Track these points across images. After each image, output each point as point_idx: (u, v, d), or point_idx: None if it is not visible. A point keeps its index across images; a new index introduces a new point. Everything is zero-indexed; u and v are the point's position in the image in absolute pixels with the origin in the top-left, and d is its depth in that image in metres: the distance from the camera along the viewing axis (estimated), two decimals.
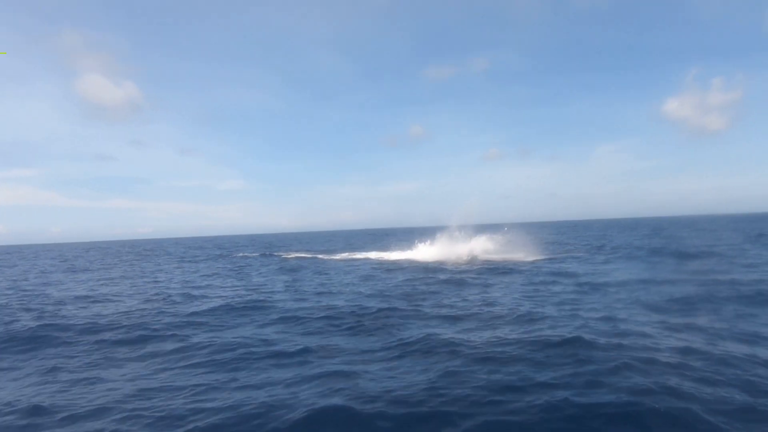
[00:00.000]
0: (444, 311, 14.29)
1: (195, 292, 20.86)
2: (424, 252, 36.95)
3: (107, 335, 12.94)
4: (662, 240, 44.90)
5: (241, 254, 52.30)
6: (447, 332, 11.57)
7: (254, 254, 51.62)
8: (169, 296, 19.81)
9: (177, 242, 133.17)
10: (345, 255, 42.82)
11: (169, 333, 12.88)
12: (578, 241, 50.93)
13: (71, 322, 14.65)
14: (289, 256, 44.75)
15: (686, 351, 9.25)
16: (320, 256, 43.56)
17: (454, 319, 13.21)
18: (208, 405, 7.70)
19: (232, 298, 18.74)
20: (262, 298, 18.12)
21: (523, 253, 32.67)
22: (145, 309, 16.71)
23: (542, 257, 30.71)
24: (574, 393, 7.41)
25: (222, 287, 22.72)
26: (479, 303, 15.62)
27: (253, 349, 10.81)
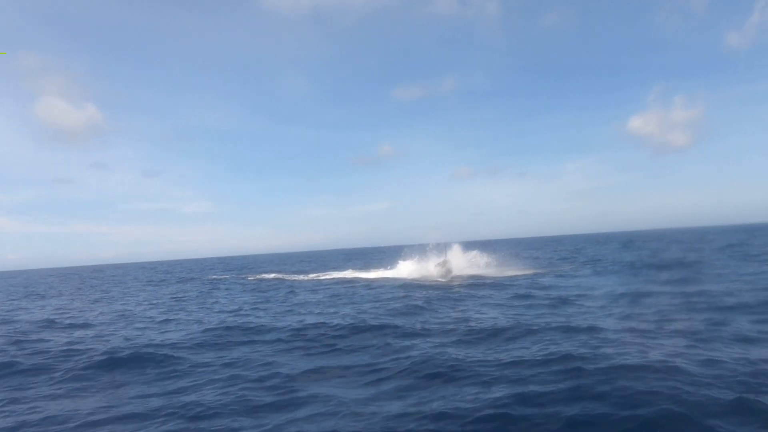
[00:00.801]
0: (431, 327, 13.84)
1: (171, 317, 19.84)
2: (401, 270, 36.60)
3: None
4: (635, 253, 45.58)
5: (211, 277, 50.82)
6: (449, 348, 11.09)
7: (225, 276, 50.28)
8: (138, 319, 18.76)
9: (142, 266, 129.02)
10: (320, 275, 41.98)
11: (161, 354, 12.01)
12: (554, 255, 51.34)
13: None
14: (264, 277, 43.68)
15: (676, 355, 9.04)
16: (299, 276, 42.66)
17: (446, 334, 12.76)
18: None
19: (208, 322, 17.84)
20: (248, 320, 17.31)
21: (502, 269, 32.61)
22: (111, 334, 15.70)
23: (524, 272, 30.59)
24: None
25: (197, 311, 21.73)
26: (464, 319, 15.22)
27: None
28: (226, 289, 33.50)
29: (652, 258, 36.94)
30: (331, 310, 18.96)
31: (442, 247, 34.63)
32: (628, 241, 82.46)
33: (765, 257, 29.80)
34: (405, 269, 36.40)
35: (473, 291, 22.53)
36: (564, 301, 17.34)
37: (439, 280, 28.76)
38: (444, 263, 30.10)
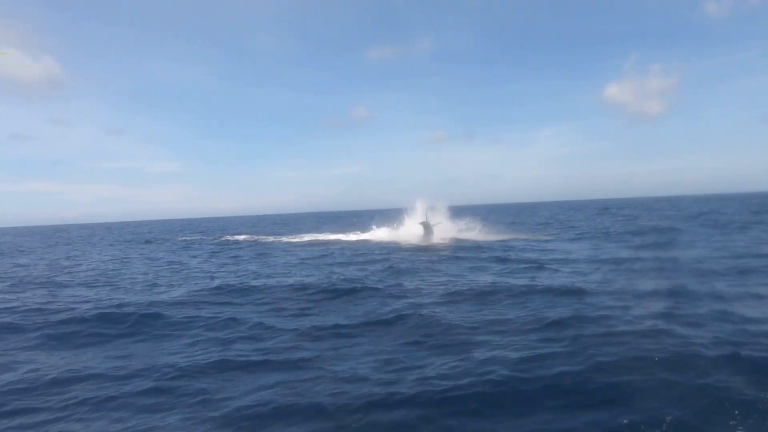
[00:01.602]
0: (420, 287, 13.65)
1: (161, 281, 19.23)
2: (379, 233, 36.40)
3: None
4: (611, 219, 46.21)
5: (182, 238, 49.72)
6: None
7: (196, 237, 49.35)
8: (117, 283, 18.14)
9: (107, 227, 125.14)
10: (295, 237, 41.46)
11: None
12: (531, 221, 51.70)
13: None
14: (236, 239, 42.97)
15: (659, 316, 9.06)
16: (274, 238, 42.05)
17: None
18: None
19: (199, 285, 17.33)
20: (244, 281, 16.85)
21: (483, 234, 32.55)
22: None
23: (504, 237, 30.59)
24: None
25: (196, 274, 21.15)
26: (446, 281, 15.09)
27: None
28: (199, 251, 32.80)
29: (628, 225, 37.47)
30: (308, 272, 18.64)
31: (424, 210, 34.31)
32: (603, 208, 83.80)
33: (733, 226, 30.43)
34: (383, 232, 36.17)
35: (455, 254, 22.45)
36: (544, 266, 17.33)
37: (421, 243, 28.56)
38: (426, 225, 29.71)
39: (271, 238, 41.88)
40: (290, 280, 16.19)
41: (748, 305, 10.17)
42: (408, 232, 32.19)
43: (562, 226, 40.44)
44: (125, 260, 27.02)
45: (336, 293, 13.64)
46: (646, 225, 35.51)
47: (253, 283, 15.99)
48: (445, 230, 32.34)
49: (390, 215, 37.97)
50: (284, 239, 40.16)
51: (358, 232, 40.17)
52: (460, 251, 23.52)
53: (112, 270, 22.21)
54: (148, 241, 46.35)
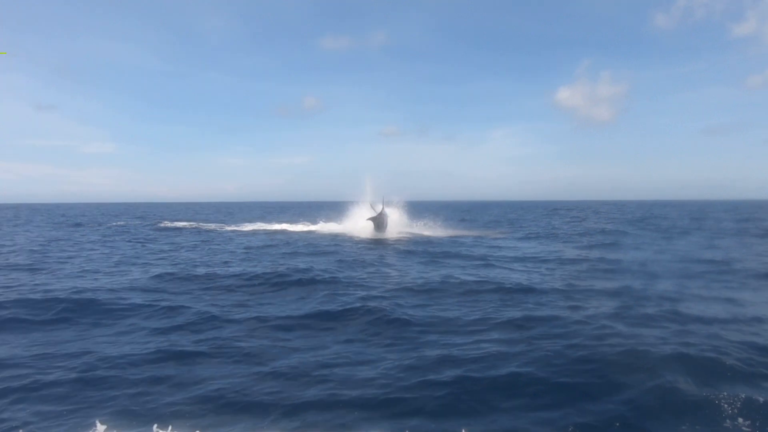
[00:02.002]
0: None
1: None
2: (329, 225, 35.73)
3: None
4: (559, 220, 47.44)
5: (117, 223, 47.06)
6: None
7: (134, 222, 46.93)
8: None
9: (34, 208, 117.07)
10: (239, 226, 40.05)
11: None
12: (482, 219, 52.38)
13: None
14: (176, 226, 41.11)
15: (608, 316, 8.95)
16: (217, 226, 40.46)
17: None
18: None
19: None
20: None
21: (435, 230, 32.52)
22: None
23: (456, 233, 30.62)
24: None
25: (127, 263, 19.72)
26: (395, 275, 14.69)
27: None
28: (136, 236, 31.04)
29: (576, 226, 38.50)
30: (254, 261, 17.84)
31: (369, 204, 33.79)
32: (552, 209, 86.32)
33: (675, 231, 31.75)
34: (332, 225, 35.52)
35: (407, 248, 22.16)
36: (494, 264, 17.29)
37: (372, 236, 28.10)
38: (378, 218, 28.92)
39: (213, 226, 40.31)
40: (234, 270, 15.40)
41: (692, 306, 10.32)
42: (357, 224, 31.55)
43: (513, 225, 41.08)
44: (52, 243, 25.13)
45: (282, 284, 13.05)
46: (593, 227, 36.57)
47: (195, 271, 15.10)
48: (397, 224, 32.03)
49: (339, 208, 37.29)
50: (228, 228, 38.73)
51: (307, 223, 39.24)
52: (411, 245, 23.27)
53: (38, 254, 20.53)
54: (78, 224, 43.61)
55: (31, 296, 11.26)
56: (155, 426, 5.06)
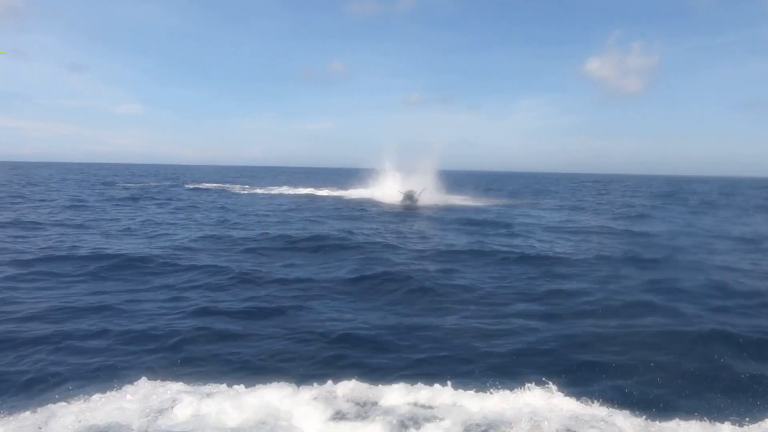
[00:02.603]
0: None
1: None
2: (357, 192, 35.65)
3: None
4: (586, 192, 46.90)
5: (152, 184, 48.18)
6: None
7: (164, 184, 48.00)
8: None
9: (67, 167, 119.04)
10: (276, 190, 40.70)
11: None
12: (509, 189, 51.93)
13: None
14: (207, 187, 42.02)
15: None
16: (247, 189, 41.22)
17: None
18: None
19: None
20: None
21: (458, 199, 32.30)
22: None
23: (481, 203, 30.44)
24: None
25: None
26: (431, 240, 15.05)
27: None
28: (173, 199, 31.90)
29: (602, 198, 38.10)
30: (291, 224, 18.38)
31: (397, 172, 33.56)
32: (578, 182, 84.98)
33: (703, 206, 31.18)
34: (361, 190, 35.52)
35: (438, 215, 22.44)
36: (527, 233, 17.41)
37: (403, 204, 28.03)
38: (410, 192, 28.57)
39: (242, 189, 41.14)
40: (272, 231, 15.88)
41: (727, 278, 10.30)
42: (386, 192, 31.62)
43: (539, 196, 40.83)
44: (95, 203, 26.10)
45: (318, 248, 13.42)
46: (620, 200, 36.19)
47: (231, 233, 15.62)
48: (426, 193, 31.63)
49: (363, 175, 37.08)
50: (259, 190, 39.52)
51: (335, 189, 39.58)
52: (440, 213, 23.54)
53: (82, 211, 21.47)
54: (110, 184, 45.02)
55: (78, 253, 11.89)
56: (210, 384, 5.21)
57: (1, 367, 5.80)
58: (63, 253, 11.69)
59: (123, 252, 11.93)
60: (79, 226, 16.56)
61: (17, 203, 23.90)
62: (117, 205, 24.89)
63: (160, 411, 4.61)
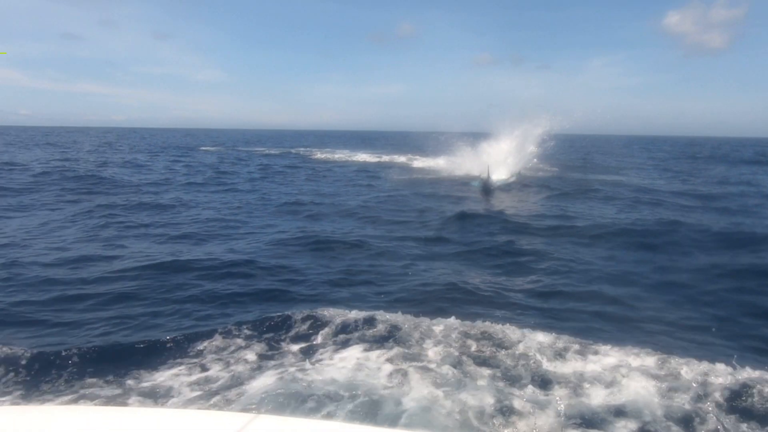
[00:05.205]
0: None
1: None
2: (442, 162, 32.06)
3: None
4: (691, 157, 44.21)
5: (260, 150, 50.38)
6: None
7: (273, 151, 50.08)
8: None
9: (157, 132, 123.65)
10: (353, 155, 42.07)
11: None
12: (591, 156, 48.08)
13: None
14: (312, 156, 43.63)
15: None
16: (339, 156, 42.62)
17: None
18: None
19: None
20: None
21: (545, 171, 28.76)
22: None
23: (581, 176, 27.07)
24: None
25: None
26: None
27: None
28: (291, 168, 32.06)
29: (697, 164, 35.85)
30: (404, 195, 19.14)
31: (470, 138, 30.63)
32: (689, 144, 77.96)
33: None
34: (444, 161, 32.00)
35: (542, 185, 22.37)
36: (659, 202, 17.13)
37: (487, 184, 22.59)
38: (487, 180, 21.77)
39: (333, 156, 42.60)
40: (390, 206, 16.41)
41: None
42: (464, 164, 28.38)
43: (648, 163, 38.30)
44: (180, 169, 28.04)
45: (451, 219, 13.87)
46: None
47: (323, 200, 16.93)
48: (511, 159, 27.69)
49: (434, 139, 34.53)
50: (352, 158, 40.78)
51: (417, 157, 38.08)
52: (528, 181, 23.51)
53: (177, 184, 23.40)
54: (206, 151, 47.61)
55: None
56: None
57: None
58: None
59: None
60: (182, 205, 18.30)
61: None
62: (219, 173, 26.76)
63: None
